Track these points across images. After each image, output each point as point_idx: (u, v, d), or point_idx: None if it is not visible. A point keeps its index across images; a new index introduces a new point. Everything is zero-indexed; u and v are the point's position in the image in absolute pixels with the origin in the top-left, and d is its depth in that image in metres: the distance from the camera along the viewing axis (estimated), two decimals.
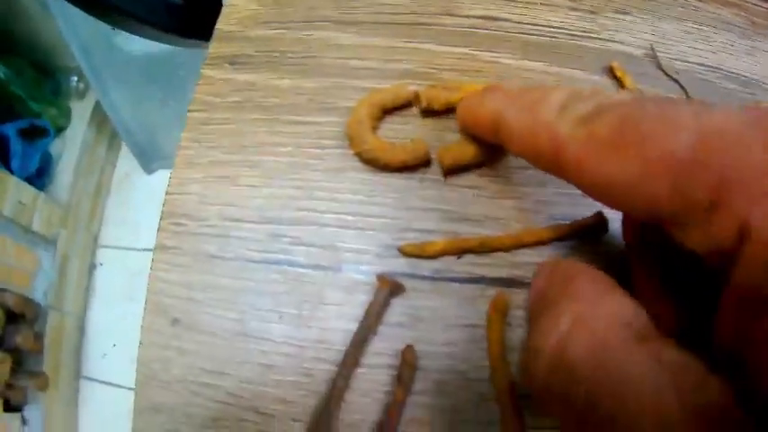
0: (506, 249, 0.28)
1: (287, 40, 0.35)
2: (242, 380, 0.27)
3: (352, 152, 0.30)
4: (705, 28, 0.39)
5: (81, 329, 1.25)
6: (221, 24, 0.37)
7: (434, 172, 0.30)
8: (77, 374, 1.23)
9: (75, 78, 1.25)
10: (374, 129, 0.30)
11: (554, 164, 0.20)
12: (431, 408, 0.26)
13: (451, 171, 0.30)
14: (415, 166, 0.30)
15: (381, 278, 0.27)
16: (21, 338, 1.10)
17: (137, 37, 1.17)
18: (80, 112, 1.26)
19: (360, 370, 0.27)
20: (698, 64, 0.37)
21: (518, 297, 0.28)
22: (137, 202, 1.30)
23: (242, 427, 0.26)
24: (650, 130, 0.16)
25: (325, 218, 0.29)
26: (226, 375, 0.27)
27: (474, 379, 0.26)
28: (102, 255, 1.29)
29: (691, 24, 0.39)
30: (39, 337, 1.17)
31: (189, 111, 0.33)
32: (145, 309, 0.29)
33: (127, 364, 1.16)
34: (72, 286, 1.23)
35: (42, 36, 1.19)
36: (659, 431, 0.14)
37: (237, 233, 0.30)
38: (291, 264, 0.29)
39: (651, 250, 0.22)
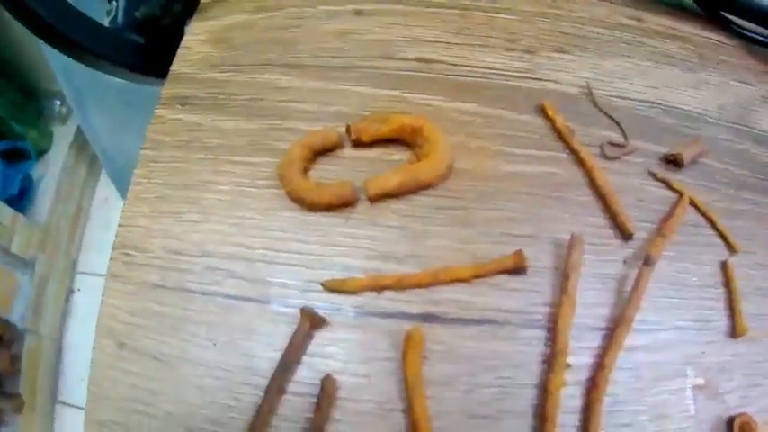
0: (424, 286, 0.30)
1: (235, 83, 0.37)
2: (178, 400, 0.29)
3: (283, 192, 0.32)
4: (648, 63, 0.41)
5: (58, 353, 1.25)
6: (176, 66, 0.39)
7: (360, 212, 0.32)
8: (54, 398, 1.23)
9: (58, 102, 1.27)
10: (305, 170, 0.32)
11: None
12: None
13: (376, 198, 0.32)
14: (341, 205, 0.31)
15: (304, 312, 0.29)
16: None
17: None
18: (62, 135, 1.27)
19: (284, 397, 0.28)
20: (638, 100, 0.39)
21: (435, 332, 0.29)
22: (115, 228, 1.31)
23: None
24: None
25: (256, 253, 0.31)
26: (164, 395, 0.29)
27: (391, 409, 0.28)
28: (80, 280, 1.29)
29: (634, 61, 0.40)
30: (16, 359, 1.16)
31: (142, 149, 0.35)
32: (96, 331, 0.31)
33: None
34: (50, 310, 1.23)
35: (26, 59, 1.21)
36: None
37: (178, 265, 0.32)
38: (225, 295, 0.31)
39: None
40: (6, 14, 0.35)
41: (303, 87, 0.36)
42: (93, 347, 0.31)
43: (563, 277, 0.31)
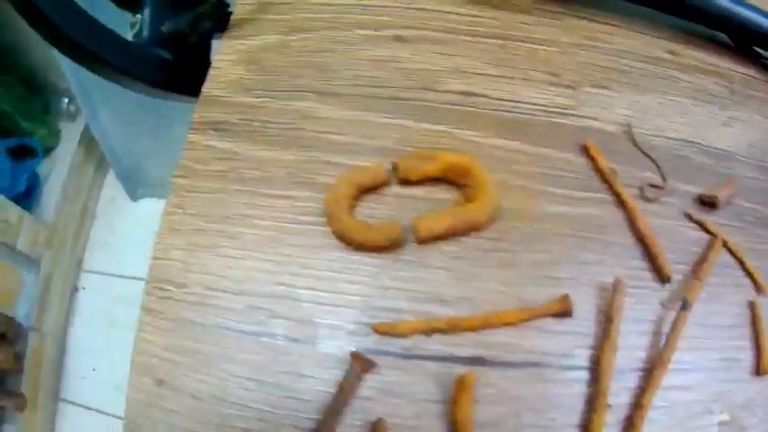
0: (475, 330, 0.30)
1: (269, 109, 0.36)
2: None
3: (328, 228, 0.31)
4: (685, 100, 0.40)
5: (61, 352, 1.24)
6: (207, 88, 0.38)
7: (408, 252, 0.32)
8: (56, 397, 1.22)
9: (66, 100, 1.25)
10: (351, 207, 0.32)
11: None
12: None
13: (425, 240, 0.31)
14: (389, 246, 0.31)
15: (354, 356, 0.28)
16: (1, 357, 1.10)
17: None
18: (70, 133, 1.26)
19: None
20: (675, 139, 0.38)
21: (483, 374, 0.29)
22: (121, 228, 1.30)
23: None
24: None
25: (300, 293, 0.31)
26: None
27: None
28: (85, 279, 1.28)
29: (670, 97, 0.40)
30: (19, 357, 1.16)
31: (174, 176, 0.34)
32: (131, 368, 0.30)
33: (106, 388, 1.16)
34: (54, 308, 1.22)
35: (35, 56, 1.20)
36: None
37: (217, 302, 0.31)
38: (268, 335, 0.30)
39: None
40: (14, 11, 0.34)
41: (341, 118, 0.36)
42: (129, 384, 0.30)
43: (606, 320, 0.31)
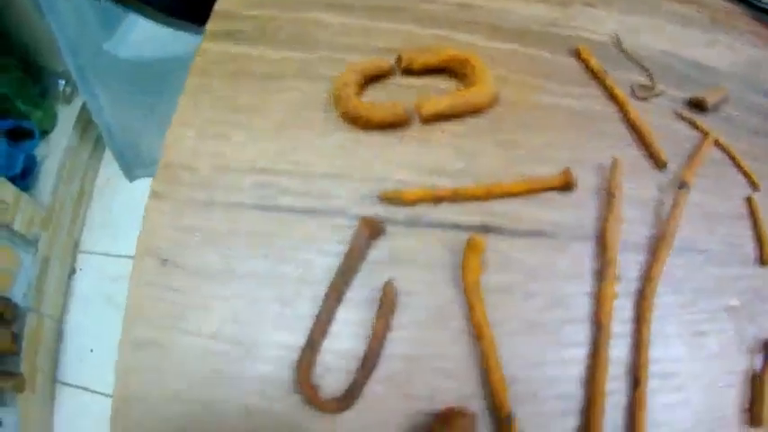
0: (478, 199, 0.31)
1: (280, 19, 0.38)
2: (228, 318, 0.28)
3: (335, 115, 0.33)
4: (669, 23, 0.43)
5: (59, 333, 1.24)
6: (219, 5, 0.39)
7: (413, 131, 0.33)
8: (54, 378, 1.22)
9: (63, 82, 1.26)
10: (358, 94, 0.33)
11: None
12: (410, 341, 0.28)
13: (428, 119, 0.33)
14: (394, 123, 0.32)
15: (364, 220, 0.29)
16: None
17: (126, 42, 1.19)
18: (66, 116, 1.26)
19: (343, 305, 0.29)
20: (661, 51, 0.41)
21: (490, 242, 0.30)
22: (118, 209, 1.31)
23: (229, 360, 0.28)
24: None
25: (309, 169, 0.32)
26: (212, 311, 0.29)
27: (448, 315, 0.29)
28: (82, 260, 1.28)
29: (655, 20, 0.43)
30: (16, 338, 1.16)
31: (188, 77, 0.35)
32: (136, 252, 0.30)
33: (104, 369, 1.16)
34: (51, 289, 1.22)
35: (31, 38, 1.21)
36: None
37: (226, 181, 0.32)
38: (279, 209, 0.31)
39: None
40: None
41: (349, 24, 0.38)
42: (133, 268, 0.30)
43: (608, 195, 0.32)
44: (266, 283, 0.29)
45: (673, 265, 0.32)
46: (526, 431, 0.27)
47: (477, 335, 0.28)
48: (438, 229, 0.31)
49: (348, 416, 0.27)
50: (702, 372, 0.30)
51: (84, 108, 1.25)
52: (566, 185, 0.32)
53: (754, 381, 0.30)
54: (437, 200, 0.31)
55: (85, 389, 1.22)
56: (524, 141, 0.34)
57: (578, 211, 0.32)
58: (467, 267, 0.29)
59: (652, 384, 0.29)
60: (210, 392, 0.27)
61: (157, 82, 1.13)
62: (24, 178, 1.22)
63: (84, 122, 1.27)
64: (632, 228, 0.32)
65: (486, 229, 0.31)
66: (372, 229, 0.29)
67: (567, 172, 0.32)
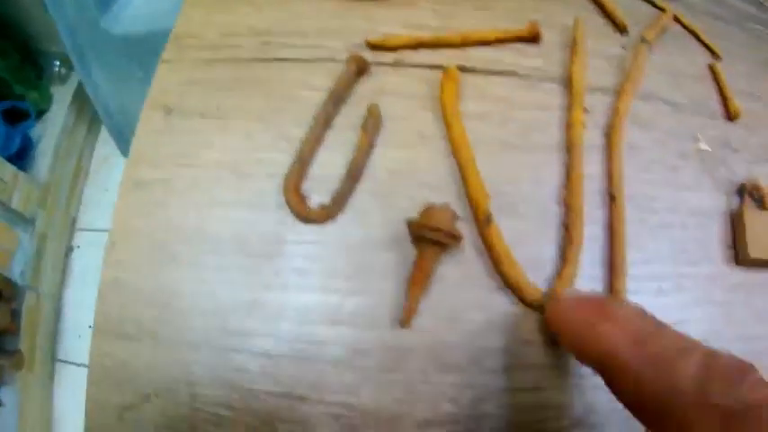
0: (457, 46, 0.33)
1: None
2: (228, 148, 0.31)
3: None
4: None
5: (57, 311, 1.25)
6: None
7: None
8: (53, 356, 1.23)
9: (58, 63, 1.28)
10: None
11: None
12: (394, 158, 0.30)
13: None
14: None
15: (351, 56, 0.32)
16: None
17: (122, 18, 1.21)
18: (61, 96, 1.29)
19: (332, 129, 0.31)
20: None
21: (468, 79, 0.33)
22: (114, 186, 1.32)
23: (224, 186, 0.30)
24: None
25: (307, 30, 0.34)
26: (212, 146, 0.31)
27: (429, 136, 0.31)
28: (80, 237, 1.30)
29: None
30: (15, 316, 1.16)
31: None
32: (143, 110, 0.32)
33: None
34: (49, 267, 1.23)
35: (26, 20, 1.23)
36: None
37: (233, 42, 0.34)
38: (277, 60, 0.33)
39: None
40: None
41: None
42: (140, 122, 0.32)
43: (572, 44, 0.35)
44: (261, 117, 0.31)
45: (640, 108, 0.34)
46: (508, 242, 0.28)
47: (455, 150, 0.29)
48: (419, 69, 0.33)
49: (333, 227, 0.28)
50: (678, 203, 0.32)
51: (79, 87, 1.27)
52: (533, 36, 0.34)
53: (733, 221, 0.32)
54: (418, 45, 0.33)
55: (85, 366, 1.23)
56: (497, 6, 0.36)
57: (547, 59, 0.34)
58: (444, 92, 0.31)
59: (629, 212, 0.30)
60: (209, 215, 0.29)
61: (153, 57, 1.15)
62: (21, 158, 1.24)
63: (80, 102, 1.29)
64: (598, 75, 0.35)
65: (463, 69, 0.33)
66: (359, 65, 0.31)
67: (533, 23, 0.34)
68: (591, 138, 0.32)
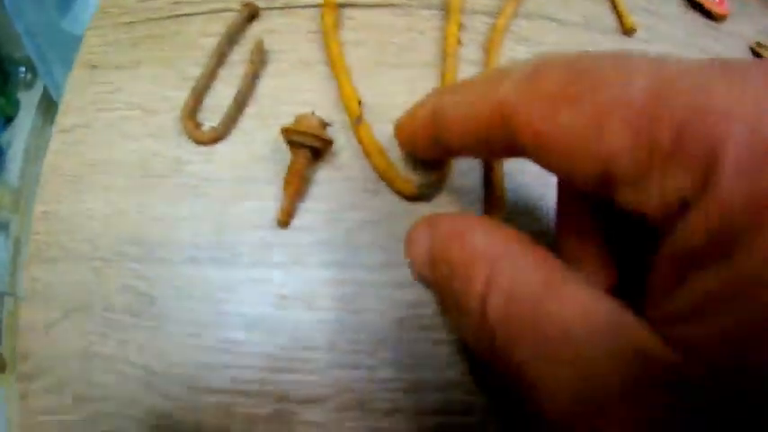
0: None
1: None
2: (136, 92, 0.34)
3: None
4: None
5: None
6: None
7: None
8: None
9: (23, 69, 1.30)
10: None
11: (503, 136, 0.18)
12: (276, 86, 0.34)
13: None
14: None
15: (243, 4, 0.35)
16: None
17: (83, 19, 1.23)
18: (28, 101, 1.31)
19: (224, 66, 0.35)
20: None
21: (347, 12, 0.36)
22: None
23: (137, 124, 0.33)
24: (602, 78, 0.15)
25: None
26: (123, 91, 0.34)
27: (311, 63, 0.35)
28: None
29: None
30: None
31: None
32: (73, 68, 0.36)
33: None
34: None
35: None
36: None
37: (147, 6, 0.37)
38: (184, 15, 0.37)
39: (582, 213, 0.21)
40: None
41: None
42: (69, 79, 0.35)
43: None
44: (167, 63, 0.35)
45: (523, 26, 0.37)
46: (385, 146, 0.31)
47: (331, 66, 0.33)
48: (306, 9, 0.36)
49: (222, 146, 0.32)
50: None
51: (45, 90, 1.29)
52: None
53: None
54: None
55: None
56: None
57: None
58: (323, 19, 0.34)
59: None
60: (119, 147, 0.33)
61: None
62: None
63: (47, 104, 1.32)
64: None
65: (345, 5, 0.36)
66: (251, 10, 0.35)
67: None
68: (470, 53, 0.35)
